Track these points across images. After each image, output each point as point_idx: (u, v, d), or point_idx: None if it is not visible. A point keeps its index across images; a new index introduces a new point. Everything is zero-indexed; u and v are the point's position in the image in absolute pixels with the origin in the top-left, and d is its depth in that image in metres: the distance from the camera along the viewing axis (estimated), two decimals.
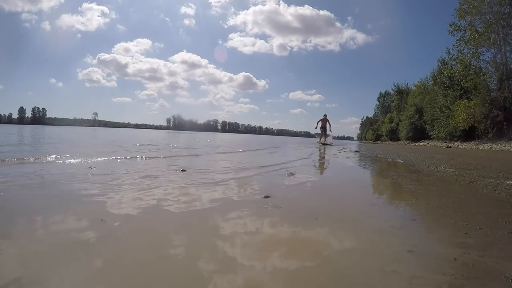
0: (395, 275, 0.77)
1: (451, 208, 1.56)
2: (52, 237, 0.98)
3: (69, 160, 2.94)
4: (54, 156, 3.16)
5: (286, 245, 0.98)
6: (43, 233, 1.02)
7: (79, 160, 3.01)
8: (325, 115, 13.71)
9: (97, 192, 1.63)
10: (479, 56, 18.30)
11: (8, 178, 1.95)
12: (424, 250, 0.97)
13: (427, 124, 25.31)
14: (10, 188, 1.67)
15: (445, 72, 21.03)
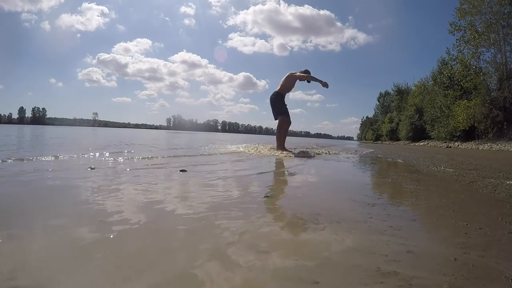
0: (394, 275, 0.77)
1: (451, 208, 1.56)
2: (51, 237, 0.98)
3: (69, 161, 2.94)
4: (54, 156, 3.16)
5: (286, 245, 0.98)
6: (42, 232, 1.02)
7: (79, 160, 3.01)
8: (304, 71, 5.47)
9: (97, 192, 1.62)
10: (479, 56, 18.33)
11: (8, 177, 1.95)
12: (424, 250, 0.97)
13: (427, 124, 25.35)
14: (9, 187, 1.67)
15: (445, 72, 21.05)
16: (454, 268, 0.83)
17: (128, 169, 2.52)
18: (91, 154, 3.61)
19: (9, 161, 2.74)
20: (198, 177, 2.28)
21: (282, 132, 5.43)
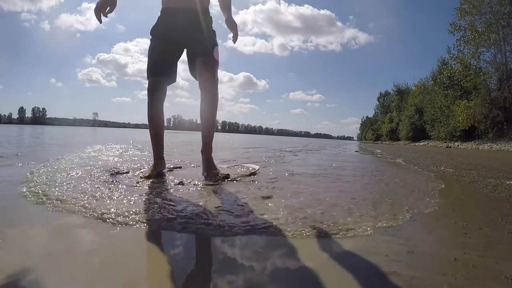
0: (394, 276, 0.77)
1: (451, 208, 1.56)
2: (52, 238, 0.98)
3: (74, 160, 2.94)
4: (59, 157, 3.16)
5: (285, 245, 0.98)
6: (42, 233, 1.02)
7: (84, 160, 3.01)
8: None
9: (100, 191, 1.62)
10: (479, 56, 18.32)
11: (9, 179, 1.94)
12: (424, 250, 0.97)
13: (427, 124, 25.37)
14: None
15: (445, 72, 21.07)
16: (454, 268, 0.83)
17: None
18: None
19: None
20: None
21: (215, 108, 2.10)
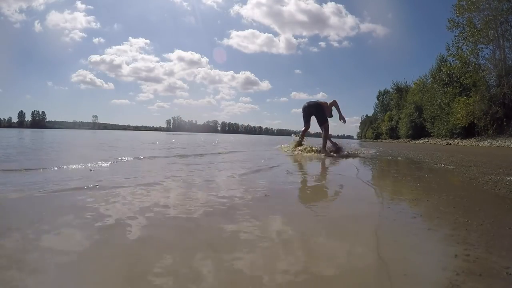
0: (395, 272, 0.77)
1: (451, 205, 1.56)
2: (53, 240, 0.98)
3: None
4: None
5: (283, 244, 0.98)
6: (41, 234, 1.02)
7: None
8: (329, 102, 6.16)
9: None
10: (478, 52, 18.28)
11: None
12: (424, 247, 0.97)
13: (427, 122, 25.32)
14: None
15: (443, 70, 21.04)
16: (455, 265, 0.83)
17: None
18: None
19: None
20: None
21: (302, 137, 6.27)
